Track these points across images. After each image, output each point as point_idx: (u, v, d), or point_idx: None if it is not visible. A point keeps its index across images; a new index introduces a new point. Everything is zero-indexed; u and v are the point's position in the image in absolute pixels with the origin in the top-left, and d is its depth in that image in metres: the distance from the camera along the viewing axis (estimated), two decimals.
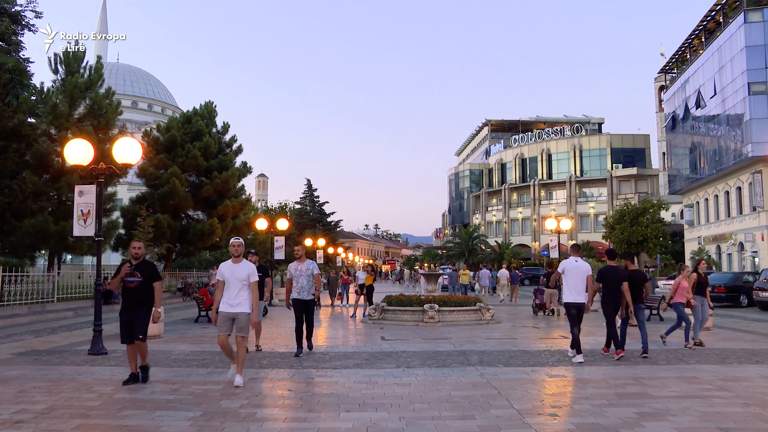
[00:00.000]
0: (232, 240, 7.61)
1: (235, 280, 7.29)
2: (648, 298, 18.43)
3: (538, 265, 50.07)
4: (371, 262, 75.83)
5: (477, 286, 29.23)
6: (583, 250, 45.72)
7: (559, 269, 9.95)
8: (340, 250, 61.09)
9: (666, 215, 40.75)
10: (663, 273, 41.34)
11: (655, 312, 17.12)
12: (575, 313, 9.52)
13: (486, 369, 8.53)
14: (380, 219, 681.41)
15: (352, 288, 21.32)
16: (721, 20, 40.04)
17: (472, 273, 31.36)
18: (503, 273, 28.76)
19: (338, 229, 72.47)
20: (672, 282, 26.83)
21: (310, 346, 10.29)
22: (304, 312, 9.90)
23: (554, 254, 25.40)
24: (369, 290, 18.50)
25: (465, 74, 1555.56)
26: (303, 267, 9.91)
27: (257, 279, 7.40)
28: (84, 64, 22.48)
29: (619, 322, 10.06)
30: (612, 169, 68.74)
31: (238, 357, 7.40)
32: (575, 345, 9.46)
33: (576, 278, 9.54)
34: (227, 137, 31.05)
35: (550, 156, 73.79)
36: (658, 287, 27.93)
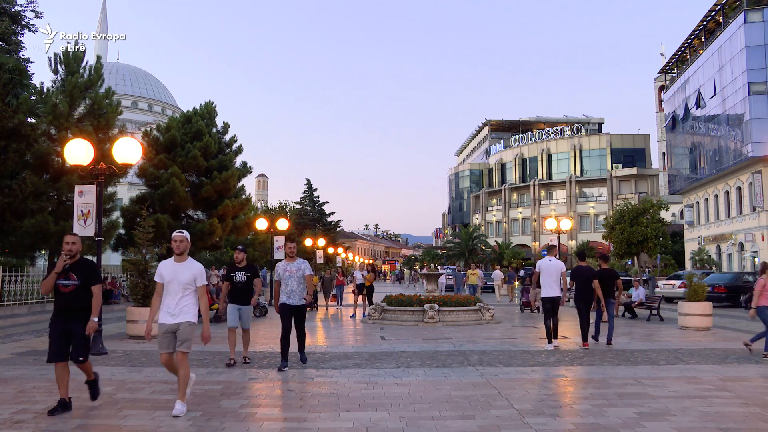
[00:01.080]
0: (174, 234, 6.12)
1: (177, 283, 5.92)
2: (648, 298, 18.57)
3: None
4: (371, 262, 75.79)
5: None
6: (585, 250, 45.69)
7: (536, 269, 11.07)
8: (340, 250, 61.11)
9: (666, 215, 40.74)
10: (663, 273, 41.33)
11: (654, 312, 17.14)
12: (550, 307, 10.73)
13: (486, 369, 8.53)
14: (380, 219, 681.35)
15: (349, 288, 21.25)
16: (721, 20, 40.05)
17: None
18: (497, 274, 28.77)
19: (338, 229, 72.49)
20: (672, 282, 27.09)
21: (303, 359, 8.94)
22: (295, 319, 8.64)
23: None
24: (369, 290, 18.51)
25: (465, 74, 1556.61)
26: (293, 267, 8.59)
27: (205, 283, 6.11)
28: (84, 64, 22.46)
29: (593, 318, 11.15)
30: (612, 169, 68.79)
31: (179, 378, 5.92)
32: (548, 335, 10.69)
33: (549, 276, 10.78)
34: (227, 137, 31.02)
35: (550, 156, 73.84)
36: (658, 287, 27.92)
